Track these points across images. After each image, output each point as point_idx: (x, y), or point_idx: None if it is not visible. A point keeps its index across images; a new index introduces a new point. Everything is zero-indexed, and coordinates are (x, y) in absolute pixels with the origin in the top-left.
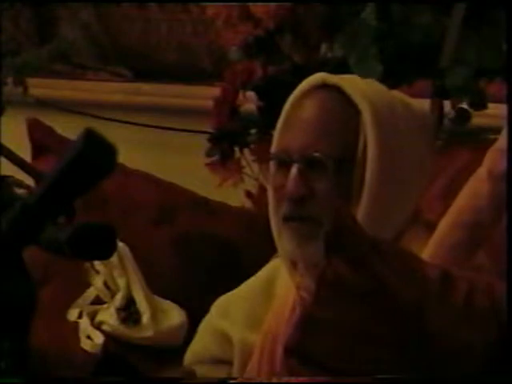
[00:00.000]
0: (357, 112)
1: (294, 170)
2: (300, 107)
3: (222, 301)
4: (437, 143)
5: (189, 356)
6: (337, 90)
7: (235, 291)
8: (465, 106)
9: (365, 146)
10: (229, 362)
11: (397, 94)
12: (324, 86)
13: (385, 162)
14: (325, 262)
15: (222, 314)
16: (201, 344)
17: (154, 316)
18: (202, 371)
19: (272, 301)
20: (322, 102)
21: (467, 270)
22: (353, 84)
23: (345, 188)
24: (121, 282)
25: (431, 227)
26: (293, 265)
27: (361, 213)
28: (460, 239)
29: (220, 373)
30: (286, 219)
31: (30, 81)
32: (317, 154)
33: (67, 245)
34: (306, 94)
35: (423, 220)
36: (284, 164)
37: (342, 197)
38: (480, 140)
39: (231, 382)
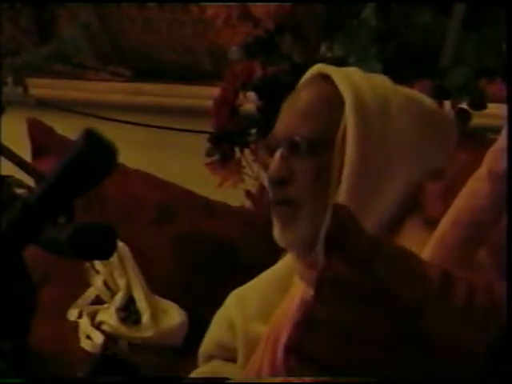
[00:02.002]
0: (343, 100)
1: (277, 153)
2: (295, 96)
3: (239, 290)
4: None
5: (203, 343)
6: (329, 79)
7: (253, 282)
8: (465, 106)
9: (345, 131)
10: (234, 350)
11: (401, 88)
12: (320, 76)
13: (363, 146)
14: (325, 261)
15: (235, 302)
16: (212, 328)
17: (154, 316)
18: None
19: (287, 294)
20: (313, 90)
21: (467, 269)
22: (344, 74)
23: (325, 172)
24: (121, 282)
25: (432, 224)
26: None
27: (341, 196)
28: (460, 239)
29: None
30: (272, 203)
31: (30, 81)
32: (296, 137)
33: (67, 245)
34: (304, 83)
35: (425, 216)
36: (273, 149)
37: (322, 180)
38: (480, 140)
39: (230, 381)
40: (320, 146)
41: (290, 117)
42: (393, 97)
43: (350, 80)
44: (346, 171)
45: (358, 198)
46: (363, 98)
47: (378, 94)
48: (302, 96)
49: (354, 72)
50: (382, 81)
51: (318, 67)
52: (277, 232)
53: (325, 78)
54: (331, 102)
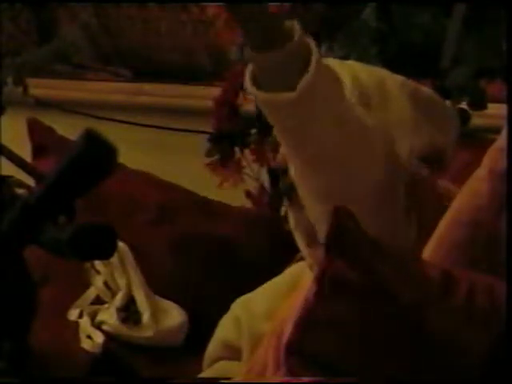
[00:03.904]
0: None
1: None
2: None
3: (245, 296)
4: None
5: (209, 346)
6: None
7: (260, 288)
8: (465, 106)
9: None
10: (239, 350)
11: (399, 76)
12: None
13: None
14: (325, 261)
15: (241, 303)
16: (218, 331)
17: (154, 316)
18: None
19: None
20: None
21: (467, 269)
22: (341, 63)
23: None
24: (121, 282)
25: None
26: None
27: None
28: (460, 238)
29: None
30: (283, 193)
31: (30, 81)
32: None
33: (67, 245)
34: None
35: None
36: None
37: None
38: (480, 140)
39: (229, 381)
40: None
41: None
42: (388, 77)
43: (345, 64)
44: None
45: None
46: (359, 76)
47: (373, 74)
48: None
49: (349, 61)
50: (377, 67)
51: None
52: (292, 222)
53: None
54: None
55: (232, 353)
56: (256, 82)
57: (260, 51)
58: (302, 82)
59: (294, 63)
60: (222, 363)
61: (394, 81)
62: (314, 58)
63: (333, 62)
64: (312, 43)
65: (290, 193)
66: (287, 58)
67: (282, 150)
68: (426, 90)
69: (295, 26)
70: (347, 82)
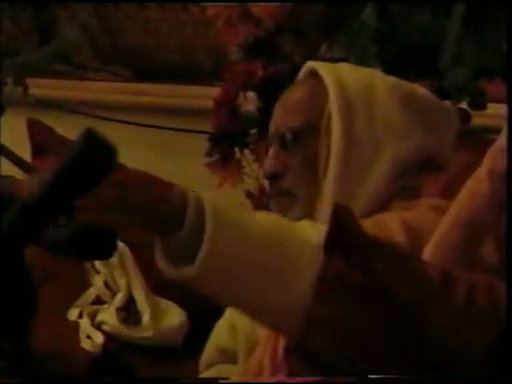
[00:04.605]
0: (327, 91)
1: (270, 150)
2: (285, 94)
3: None
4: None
5: (205, 352)
6: (318, 75)
7: None
8: (465, 106)
9: (329, 117)
10: (235, 355)
11: (391, 77)
12: (310, 74)
13: (348, 129)
14: (325, 261)
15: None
16: (213, 336)
17: (154, 316)
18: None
19: None
20: (301, 87)
21: (467, 269)
22: (329, 66)
23: (313, 159)
24: (121, 282)
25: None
26: None
27: (330, 179)
28: (460, 239)
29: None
30: (269, 196)
31: (30, 81)
32: (282, 131)
33: (67, 245)
34: (295, 82)
35: (426, 203)
36: (269, 147)
37: (312, 168)
38: (480, 140)
39: (228, 381)
40: (305, 134)
41: (280, 114)
42: (379, 81)
43: (333, 70)
44: (333, 153)
45: (345, 179)
46: (346, 83)
47: (361, 79)
48: (291, 93)
49: (341, 64)
50: (370, 70)
51: (308, 65)
52: None
53: (314, 74)
54: (316, 94)
55: (228, 358)
56: (163, 258)
57: (156, 236)
58: (198, 257)
59: (192, 238)
60: (218, 366)
61: (385, 84)
62: (208, 227)
63: (319, 65)
64: (207, 207)
65: (282, 196)
66: (183, 238)
67: (271, 152)
68: (422, 91)
69: (185, 195)
70: (332, 87)
